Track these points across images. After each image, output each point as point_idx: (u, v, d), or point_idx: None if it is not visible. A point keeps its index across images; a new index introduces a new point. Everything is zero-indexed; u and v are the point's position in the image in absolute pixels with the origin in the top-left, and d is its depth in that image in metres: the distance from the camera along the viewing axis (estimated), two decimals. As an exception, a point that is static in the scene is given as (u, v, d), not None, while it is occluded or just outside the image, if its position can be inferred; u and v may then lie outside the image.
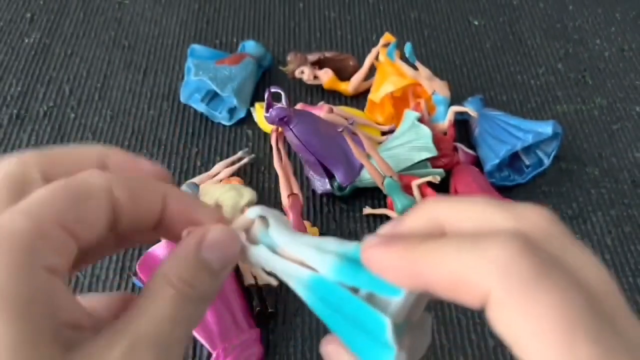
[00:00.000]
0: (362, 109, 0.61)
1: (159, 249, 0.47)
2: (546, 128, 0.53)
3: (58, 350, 0.15)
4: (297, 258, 0.21)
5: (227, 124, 0.60)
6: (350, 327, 0.20)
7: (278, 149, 0.55)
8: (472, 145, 0.58)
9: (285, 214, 0.53)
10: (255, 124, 0.60)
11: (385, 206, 0.53)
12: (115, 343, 0.17)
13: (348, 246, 0.21)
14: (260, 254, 0.22)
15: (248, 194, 0.49)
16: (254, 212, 0.22)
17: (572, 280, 0.15)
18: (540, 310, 0.14)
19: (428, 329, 0.20)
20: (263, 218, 0.22)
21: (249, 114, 0.61)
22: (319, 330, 0.46)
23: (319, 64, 0.63)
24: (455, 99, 0.60)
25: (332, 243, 0.21)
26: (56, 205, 0.17)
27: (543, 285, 0.14)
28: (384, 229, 0.19)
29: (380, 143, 0.55)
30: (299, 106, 0.58)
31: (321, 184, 0.54)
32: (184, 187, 0.51)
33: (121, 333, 0.17)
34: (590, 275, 0.16)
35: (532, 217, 0.17)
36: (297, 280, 0.21)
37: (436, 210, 0.19)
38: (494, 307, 0.15)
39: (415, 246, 0.17)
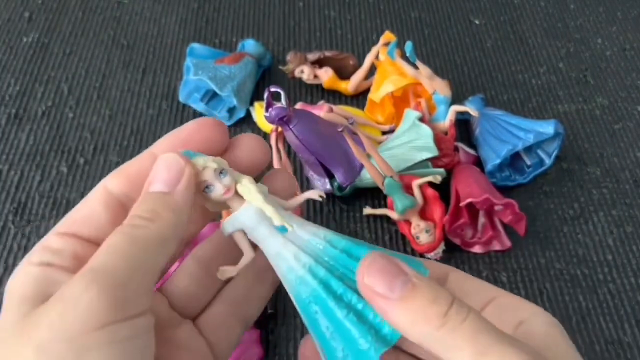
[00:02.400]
0: (362, 109, 0.61)
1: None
2: (548, 128, 0.53)
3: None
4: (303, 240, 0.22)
5: (227, 123, 0.60)
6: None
7: (278, 149, 0.55)
8: (473, 144, 0.58)
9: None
10: (254, 123, 0.60)
11: (385, 206, 0.53)
12: (76, 280, 0.17)
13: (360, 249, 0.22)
14: (248, 217, 0.22)
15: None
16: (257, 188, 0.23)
17: None
18: None
19: None
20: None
21: (248, 114, 0.61)
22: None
23: (319, 63, 0.63)
24: (456, 98, 0.60)
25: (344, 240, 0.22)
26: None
27: None
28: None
29: (380, 143, 0.55)
30: (298, 105, 0.58)
31: (321, 184, 0.54)
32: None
33: (82, 270, 0.18)
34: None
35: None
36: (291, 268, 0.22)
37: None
38: None
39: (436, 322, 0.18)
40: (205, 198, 0.22)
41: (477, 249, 0.52)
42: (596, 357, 0.47)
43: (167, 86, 0.64)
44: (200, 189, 0.22)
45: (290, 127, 0.49)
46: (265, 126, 0.59)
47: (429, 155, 0.52)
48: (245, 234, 0.23)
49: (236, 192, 0.22)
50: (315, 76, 0.62)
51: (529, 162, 0.56)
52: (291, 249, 0.22)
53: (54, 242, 0.19)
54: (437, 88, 0.57)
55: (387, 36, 0.60)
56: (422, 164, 0.52)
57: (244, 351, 0.44)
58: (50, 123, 0.60)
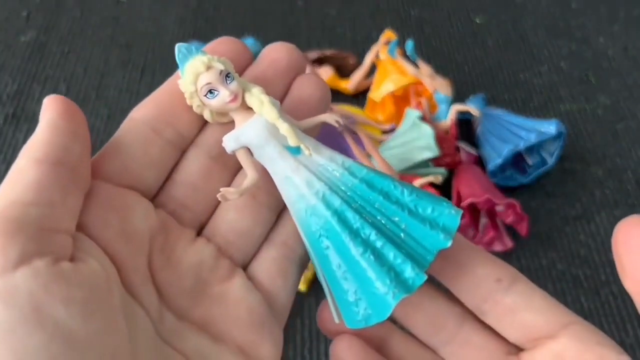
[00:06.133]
0: (363, 108, 0.60)
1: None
2: (549, 127, 0.53)
3: None
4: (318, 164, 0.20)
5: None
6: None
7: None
8: (474, 144, 0.58)
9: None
10: (254, 123, 0.60)
11: (386, 206, 0.52)
12: None
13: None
14: (256, 134, 0.19)
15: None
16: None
17: None
18: None
19: None
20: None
21: (248, 113, 0.60)
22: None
23: (319, 62, 0.62)
24: (457, 98, 0.59)
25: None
26: None
27: None
28: None
29: (381, 142, 0.55)
30: (298, 105, 0.57)
31: (321, 184, 0.53)
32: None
33: None
34: None
35: None
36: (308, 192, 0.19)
37: None
38: None
39: None
40: (204, 105, 0.19)
41: (478, 250, 0.51)
42: (599, 359, 0.46)
43: (166, 85, 0.63)
44: (202, 94, 0.19)
45: (290, 126, 0.49)
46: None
47: (430, 154, 0.52)
48: (249, 152, 0.19)
49: (243, 103, 0.19)
50: (315, 75, 0.62)
51: (530, 162, 0.56)
52: (303, 174, 0.19)
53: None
54: (438, 87, 0.57)
55: (388, 35, 0.60)
56: (423, 163, 0.52)
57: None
58: (48, 122, 0.60)
